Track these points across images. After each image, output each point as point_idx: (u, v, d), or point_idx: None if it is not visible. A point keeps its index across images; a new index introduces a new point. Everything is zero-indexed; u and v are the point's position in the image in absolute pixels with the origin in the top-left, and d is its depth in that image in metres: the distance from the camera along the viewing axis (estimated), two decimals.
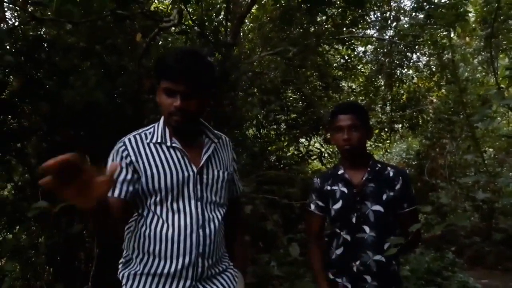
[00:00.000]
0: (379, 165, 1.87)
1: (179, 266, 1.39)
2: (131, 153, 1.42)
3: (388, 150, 8.24)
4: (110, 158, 1.45)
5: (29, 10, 2.47)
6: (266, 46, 5.15)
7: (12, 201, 2.98)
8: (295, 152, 5.95)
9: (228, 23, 4.09)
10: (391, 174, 1.84)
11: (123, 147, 1.43)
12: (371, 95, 7.36)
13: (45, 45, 2.50)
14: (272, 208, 3.72)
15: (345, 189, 1.85)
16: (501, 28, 7.25)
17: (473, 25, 7.69)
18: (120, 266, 1.50)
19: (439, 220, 7.70)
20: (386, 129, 7.51)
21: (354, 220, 1.79)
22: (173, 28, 3.31)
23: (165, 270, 1.39)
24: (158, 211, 1.42)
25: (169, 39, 4.51)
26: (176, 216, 1.41)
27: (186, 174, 1.42)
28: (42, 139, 2.98)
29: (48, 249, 2.91)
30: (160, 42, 4.44)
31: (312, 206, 1.93)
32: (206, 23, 3.64)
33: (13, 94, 2.62)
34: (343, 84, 7.30)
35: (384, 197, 1.78)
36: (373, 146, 8.01)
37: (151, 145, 1.44)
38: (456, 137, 7.22)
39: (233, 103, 3.86)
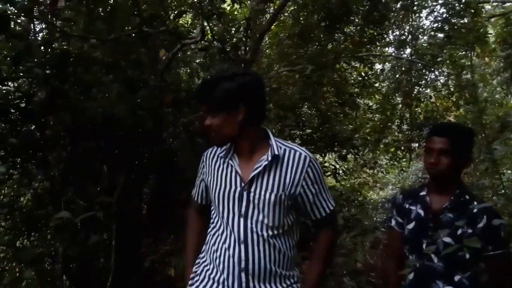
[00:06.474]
0: (466, 197, 1.71)
1: (225, 277, 1.48)
2: (205, 163, 1.64)
3: (404, 169, 8.13)
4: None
5: (57, 24, 2.55)
6: (283, 62, 5.18)
7: (31, 209, 3.04)
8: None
9: (248, 40, 4.15)
10: (475, 210, 1.66)
11: (203, 157, 1.66)
12: (388, 113, 7.31)
13: (71, 59, 2.57)
14: None
15: (421, 212, 1.77)
16: None
17: (493, 46, 7.63)
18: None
19: None
20: (402, 148, 7.43)
21: (424, 246, 1.69)
22: (195, 43, 3.37)
23: (216, 277, 1.50)
24: (215, 220, 1.57)
25: (188, 52, 4.58)
26: (225, 229, 1.50)
27: (232, 189, 1.49)
28: (64, 150, 3.04)
29: (65, 258, 2.95)
30: (179, 55, 4.51)
31: (393, 222, 1.89)
32: (227, 40, 3.69)
33: (38, 105, 2.69)
34: (359, 101, 7.28)
35: (460, 232, 1.63)
36: (389, 164, 7.94)
37: (218, 158, 1.59)
38: (474, 158, 7.11)
39: None
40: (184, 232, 1.82)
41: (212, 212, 1.61)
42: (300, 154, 1.49)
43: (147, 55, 3.00)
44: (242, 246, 1.44)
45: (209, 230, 1.61)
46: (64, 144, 3.08)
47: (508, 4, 7.36)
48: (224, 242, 1.48)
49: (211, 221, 1.61)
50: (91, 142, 3.00)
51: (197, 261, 1.64)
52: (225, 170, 1.53)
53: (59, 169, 2.89)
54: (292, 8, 5.29)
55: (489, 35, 7.01)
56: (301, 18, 4.98)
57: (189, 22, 4.82)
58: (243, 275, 1.44)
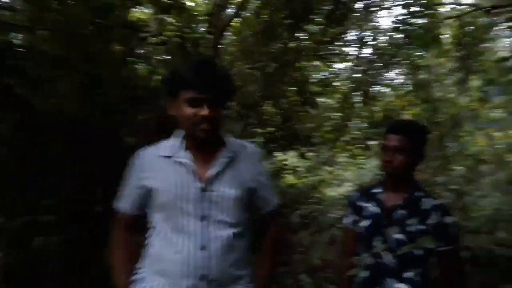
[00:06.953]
0: (420, 193, 1.74)
1: None
2: (144, 166, 1.46)
3: (362, 166, 8.32)
4: (129, 168, 1.52)
5: None
6: (246, 60, 5.12)
7: None
8: (270, 166, 5.91)
9: (210, 36, 4.04)
10: (427, 206, 1.69)
11: (137, 160, 1.50)
12: (346, 111, 7.43)
13: (16, 51, 2.38)
14: None
15: (376, 209, 1.77)
16: (474, 50, 7.47)
17: (448, 46, 7.90)
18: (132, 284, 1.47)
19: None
20: (360, 145, 7.59)
21: (377, 244, 1.70)
22: (153, 38, 3.23)
23: None
24: (163, 229, 1.40)
25: (150, 48, 4.40)
26: (179, 236, 1.37)
27: (189, 190, 1.37)
28: (10, 149, 2.82)
29: (8, 266, 2.76)
30: (138, 51, 4.33)
31: (348, 219, 1.87)
32: (186, 35, 3.58)
33: None
34: (319, 99, 7.34)
35: (412, 228, 1.66)
36: (347, 162, 8.08)
37: (160, 159, 1.43)
38: (428, 155, 7.37)
39: None
40: (113, 253, 1.55)
41: (154, 222, 1.46)
42: (252, 149, 1.51)
43: (101, 49, 2.84)
44: (203, 252, 1.36)
45: (150, 243, 1.47)
46: (10, 143, 2.86)
47: (462, 6, 7.63)
48: (180, 251, 1.36)
49: (152, 232, 1.47)
50: (41, 140, 2.81)
51: (133, 279, 1.47)
52: (177, 170, 1.41)
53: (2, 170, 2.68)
54: (255, 4, 5.22)
55: (445, 36, 7.26)
56: (265, 16, 4.92)
57: (147, 17, 4.64)
58: (202, 283, 1.35)
